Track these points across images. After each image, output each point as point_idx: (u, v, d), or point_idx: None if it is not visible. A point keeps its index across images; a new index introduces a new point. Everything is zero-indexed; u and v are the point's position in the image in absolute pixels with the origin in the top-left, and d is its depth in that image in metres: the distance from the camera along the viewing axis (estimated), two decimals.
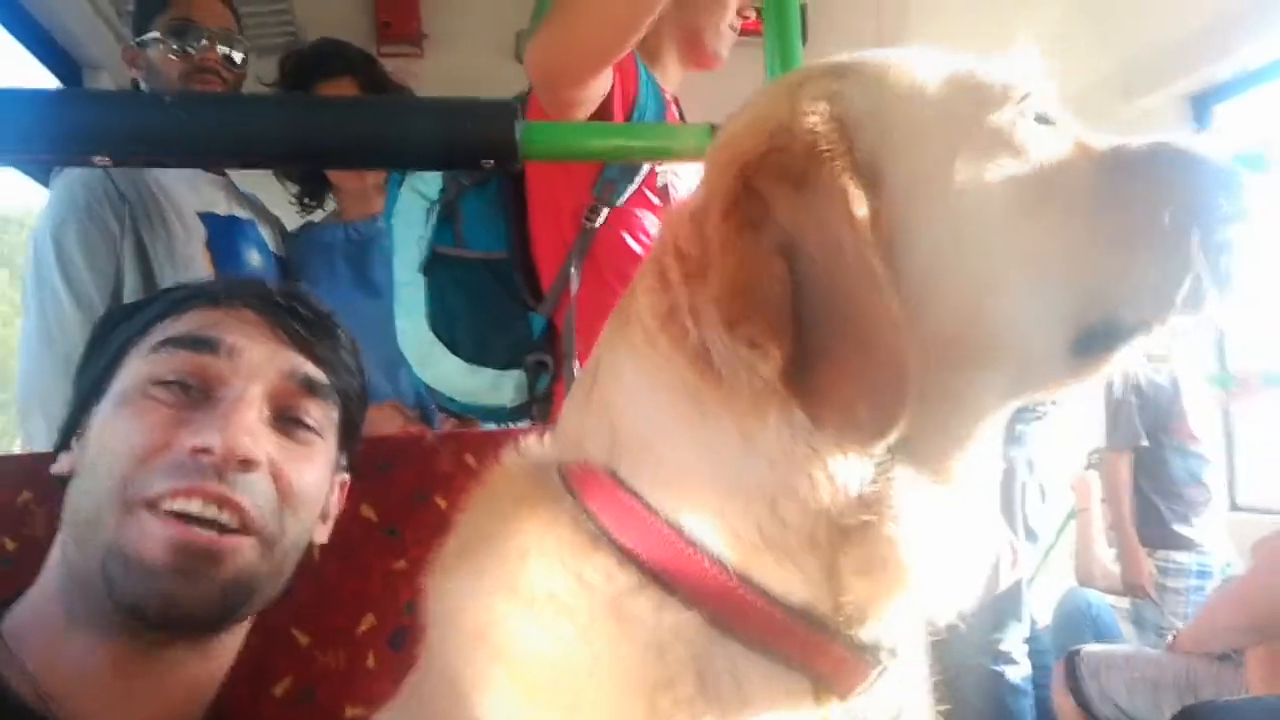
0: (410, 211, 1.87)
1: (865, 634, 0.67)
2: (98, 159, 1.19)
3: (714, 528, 0.65)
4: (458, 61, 4.25)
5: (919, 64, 0.71)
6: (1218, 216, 0.65)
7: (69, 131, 1.14)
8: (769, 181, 0.63)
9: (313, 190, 2.53)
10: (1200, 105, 3.90)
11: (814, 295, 0.61)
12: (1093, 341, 0.68)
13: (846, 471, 0.63)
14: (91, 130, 1.15)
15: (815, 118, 0.66)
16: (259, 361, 0.96)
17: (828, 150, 0.64)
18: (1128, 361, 0.70)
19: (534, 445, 0.79)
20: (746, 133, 0.68)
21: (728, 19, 1.89)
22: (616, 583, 0.65)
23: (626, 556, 0.66)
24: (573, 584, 0.65)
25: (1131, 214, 0.67)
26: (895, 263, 0.64)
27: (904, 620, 0.69)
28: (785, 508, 0.64)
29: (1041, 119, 0.70)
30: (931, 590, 0.67)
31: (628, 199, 1.72)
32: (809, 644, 0.65)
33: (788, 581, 0.65)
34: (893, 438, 0.61)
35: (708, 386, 0.65)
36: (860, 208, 0.63)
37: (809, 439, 0.63)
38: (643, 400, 0.69)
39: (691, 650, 0.64)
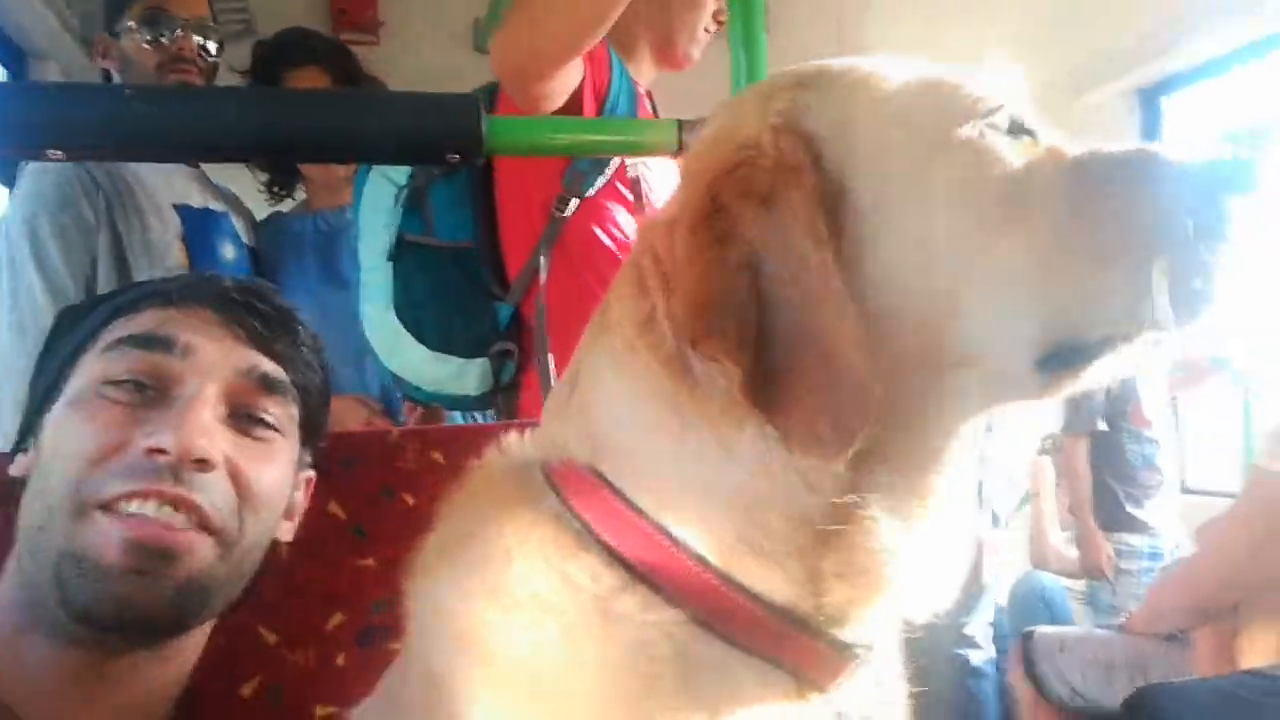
0: (378, 198, 1.85)
1: (846, 632, 0.68)
2: (51, 153, 1.17)
3: (696, 530, 0.66)
4: (414, 50, 4.22)
5: (888, 74, 0.70)
6: (1192, 236, 0.62)
7: (25, 124, 1.12)
8: (734, 198, 0.63)
9: (282, 179, 2.50)
10: (1149, 99, 3.97)
11: (778, 312, 0.61)
12: (1059, 359, 0.66)
13: (823, 481, 0.64)
14: (49, 124, 1.12)
15: (782, 133, 0.66)
16: (214, 359, 0.95)
17: (793, 167, 0.64)
18: (1097, 378, 0.68)
19: (515, 444, 0.79)
20: (715, 145, 0.68)
21: (704, 21, 1.88)
22: (603, 582, 0.66)
23: (613, 556, 0.66)
24: (558, 584, 0.66)
25: (1100, 231, 0.64)
26: (861, 277, 0.65)
27: (883, 619, 0.70)
28: (765, 514, 0.65)
29: (1017, 129, 0.69)
30: (909, 595, 0.69)
31: (598, 191, 1.72)
32: (791, 642, 0.66)
33: (770, 582, 0.66)
34: (852, 452, 0.61)
35: (685, 393, 0.65)
36: (824, 226, 0.63)
37: (784, 448, 0.63)
38: (622, 405, 0.70)
39: (676, 648, 0.64)
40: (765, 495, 0.65)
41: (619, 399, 0.70)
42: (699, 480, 0.66)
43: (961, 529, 0.72)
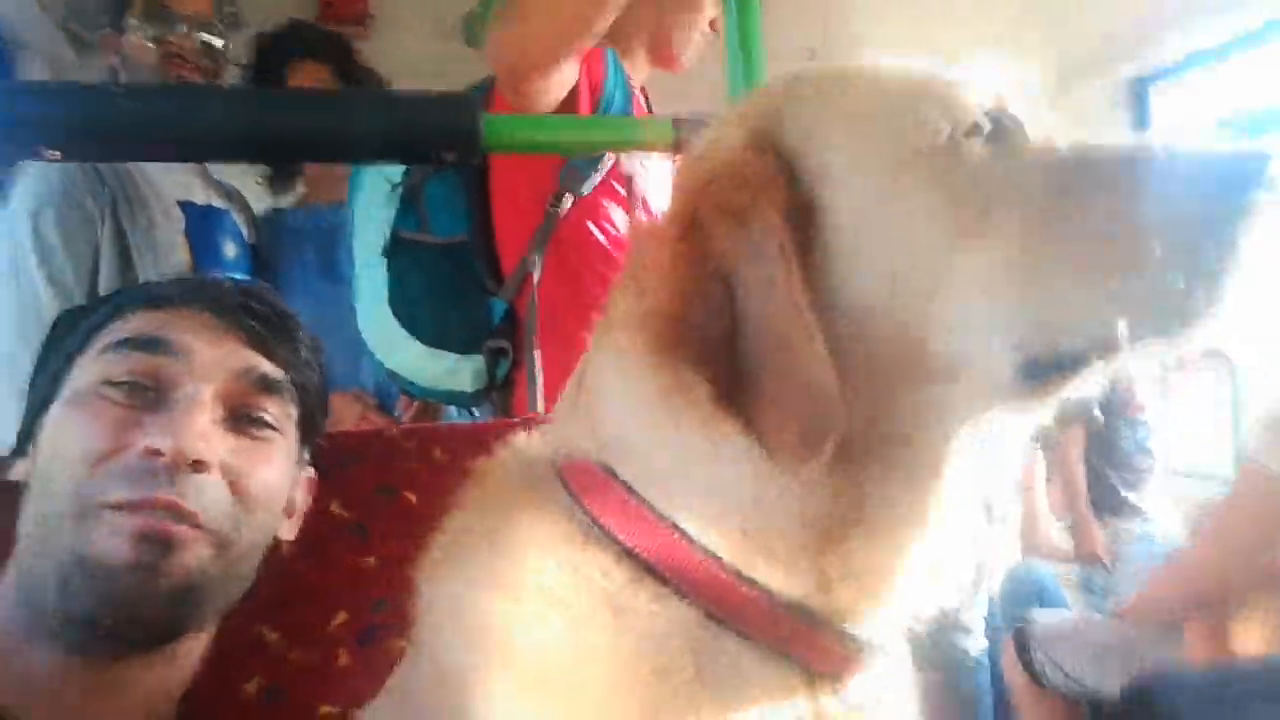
0: (373, 194, 1.85)
1: (856, 628, 0.69)
2: (48, 153, 1.17)
3: (704, 525, 0.67)
4: (404, 43, 4.19)
5: (868, 81, 0.70)
6: (1190, 241, 0.59)
7: (18, 124, 1.12)
8: (710, 213, 0.64)
9: (282, 173, 2.49)
10: (1137, 89, 3.99)
11: (748, 324, 0.62)
12: (1040, 370, 0.64)
13: (820, 483, 0.65)
14: (42, 123, 1.12)
15: (758, 147, 0.67)
16: (211, 362, 0.95)
17: (767, 184, 0.65)
18: (1088, 387, 0.66)
19: (527, 441, 0.80)
20: (701, 159, 0.70)
21: (700, 25, 1.88)
22: (614, 577, 0.67)
23: (623, 551, 0.67)
24: (569, 578, 0.67)
25: (1080, 239, 0.62)
26: (833, 289, 0.65)
27: (891, 616, 0.70)
28: (765, 513, 0.66)
29: (999, 132, 0.67)
30: (913, 594, 0.69)
31: (593, 188, 1.72)
32: (802, 636, 0.67)
33: (777, 577, 0.66)
34: (822, 460, 0.61)
35: (679, 393, 0.66)
36: (792, 240, 0.63)
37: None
38: (622, 403, 0.71)
39: (688, 641, 0.65)
40: (761, 495, 0.66)
41: (620, 396, 0.71)
42: (699, 477, 0.67)
43: (965, 530, 0.73)
